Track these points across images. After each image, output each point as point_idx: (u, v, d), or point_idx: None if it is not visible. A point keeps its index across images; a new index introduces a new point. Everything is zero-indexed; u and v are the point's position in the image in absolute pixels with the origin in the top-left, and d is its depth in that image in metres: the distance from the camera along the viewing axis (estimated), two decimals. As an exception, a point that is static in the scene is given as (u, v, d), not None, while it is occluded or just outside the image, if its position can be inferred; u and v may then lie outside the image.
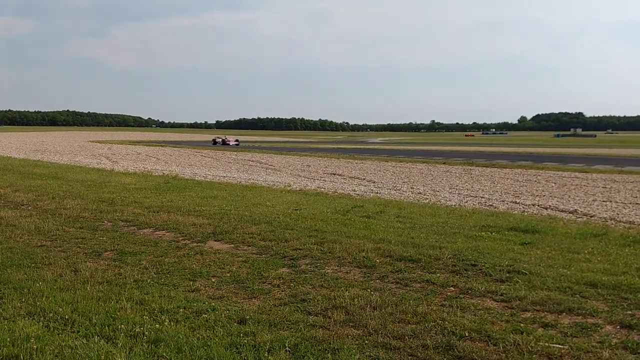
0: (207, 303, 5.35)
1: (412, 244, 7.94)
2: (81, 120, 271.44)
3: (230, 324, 4.79)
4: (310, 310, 5.13)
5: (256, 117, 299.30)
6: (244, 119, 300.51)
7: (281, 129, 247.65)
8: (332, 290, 5.74)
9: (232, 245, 8.05)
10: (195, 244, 8.14)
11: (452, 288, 5.87)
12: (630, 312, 5.01)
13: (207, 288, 5.93)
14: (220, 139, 74.42)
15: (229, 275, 6.41)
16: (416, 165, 30.18)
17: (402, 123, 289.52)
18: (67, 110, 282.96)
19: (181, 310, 5.15)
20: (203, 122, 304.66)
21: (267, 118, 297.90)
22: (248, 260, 7.12)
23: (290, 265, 6.88)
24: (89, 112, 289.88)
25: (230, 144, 68.87)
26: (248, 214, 10.68)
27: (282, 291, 5.78)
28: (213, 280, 6.24)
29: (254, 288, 5.88)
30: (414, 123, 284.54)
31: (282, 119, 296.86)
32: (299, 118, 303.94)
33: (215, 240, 8.40)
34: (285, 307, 5.23)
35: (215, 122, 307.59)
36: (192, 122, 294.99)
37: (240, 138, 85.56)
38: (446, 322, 4.75)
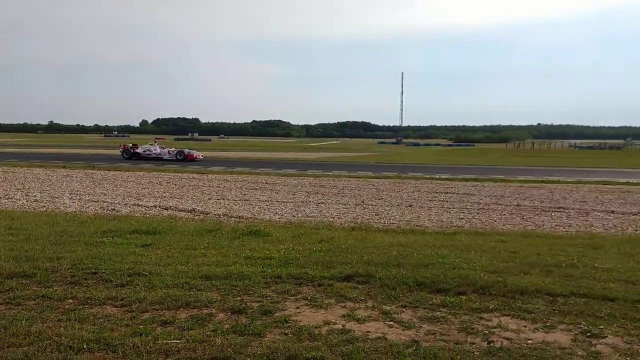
0: None
1: (26, 257, 7.21)
2: None
3: None
4: None
5: None
6: None
7: None
8: None
9: None
10: None
11: (70, 300, 5.57)
12: (239, 298, 5.73)
13: None
14: (177, 151, 39.13)
15: None
16: (32, 170, 27.10)
17: (15, 123, 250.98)
18: None
19: None
20: None
21: None
22: None
23: None
24: None
25: (199, 157, 38.24)
26: None
27: None
28: None
29: None
30: (29, 124, 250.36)
31: None
32: None
33: None
34: None
35: None
36: None
37: None
38: (63, 338, 4.46)
